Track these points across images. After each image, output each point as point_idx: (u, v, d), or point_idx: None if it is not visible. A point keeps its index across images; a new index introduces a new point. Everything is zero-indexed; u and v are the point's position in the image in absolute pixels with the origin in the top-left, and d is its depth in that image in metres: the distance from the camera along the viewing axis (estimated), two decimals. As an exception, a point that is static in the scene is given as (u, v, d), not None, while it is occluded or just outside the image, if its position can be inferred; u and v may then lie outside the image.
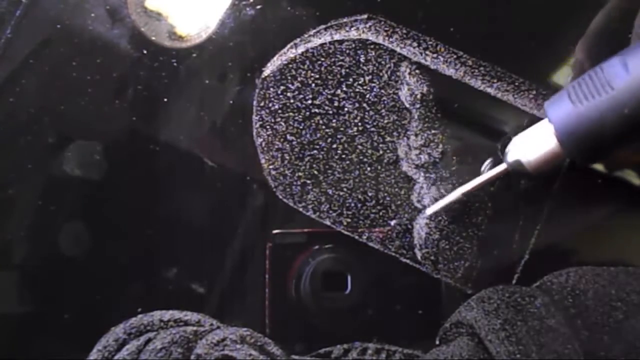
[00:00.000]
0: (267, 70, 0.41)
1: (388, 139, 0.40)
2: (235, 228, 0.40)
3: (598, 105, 0.33)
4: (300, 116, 0.40)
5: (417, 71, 0.40)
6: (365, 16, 0.41)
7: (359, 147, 0.40)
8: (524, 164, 0.36)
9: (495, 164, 0.39)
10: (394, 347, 0.38)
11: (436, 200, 0.40)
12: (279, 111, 0.40)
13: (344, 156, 0.40)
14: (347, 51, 0.40)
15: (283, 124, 0.40)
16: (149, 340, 0.36)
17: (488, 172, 0.38)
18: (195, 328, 0.37)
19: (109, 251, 0.40)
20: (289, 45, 0.41)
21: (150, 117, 0.41)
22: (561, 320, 0.35)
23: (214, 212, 0.41)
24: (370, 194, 0.40)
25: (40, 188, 0.40)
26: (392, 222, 0.40)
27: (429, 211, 0.39)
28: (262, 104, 0.41)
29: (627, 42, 0.38)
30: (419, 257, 0.40)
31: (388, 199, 0.40)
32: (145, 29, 0.42)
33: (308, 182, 0.40)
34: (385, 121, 0.40)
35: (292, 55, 0.41)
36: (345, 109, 0.40)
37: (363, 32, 0.40)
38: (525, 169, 0.36)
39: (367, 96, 0.40)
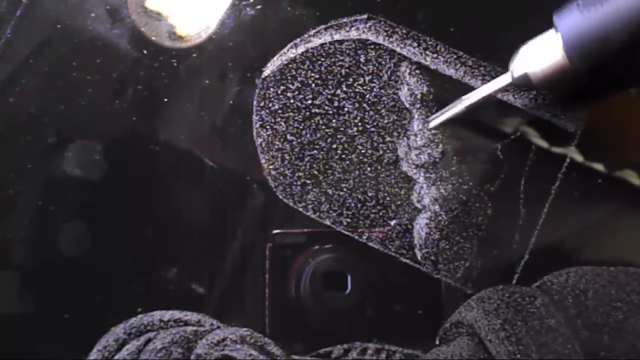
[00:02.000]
0: (267, 70, 0.41)
1: (388, 139, 0.40)
2: (235, 228, 0.40)
3: (605, 13, 0.32)
4: (300, 116, 0.40)
5: (417, 71, 0.40)
6: (365, 16, 0.41)
7: (359, 147, 0.40)
8: (530, 75, 0.35)
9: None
10: (394, 347, 0.38)
11: (436, 200, 0.40)
12: (279, 111, 0.40)
13: (344, 156, 0.40)
14: (347, 51, 0.40)
15: (283, 124, 0.40)
16: (149, 340, 0.36)
17: (491, 84, 0.37)
18: (195, 328, 0.37)
19: (109, 251, 0.40)
20: (289, 45, 0.41)
21: (150, 117, 0.41)
22: (561, 320, 0.35)
23: (214, 212, 0.41)
24: (370, 194, 0.40)
25: (40, 188, 0.40)
26: (392, 222, 0.40)
27: (433, 124, 0.39)
28: (262, 104, 0.41)
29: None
30: (419, 257, 0.40)
31: (388, 199, 0.40)
32: (145, 29, 0.42)
33: (308, 182, 0.40)
34: (385, 121, 0.40)
35: (292, 55, 0.41)
36: (345, 109, 0.40)
37: (363, 32, 0.40)
38: (530, 81, 0.36)
39: (367, 96, 0.40)
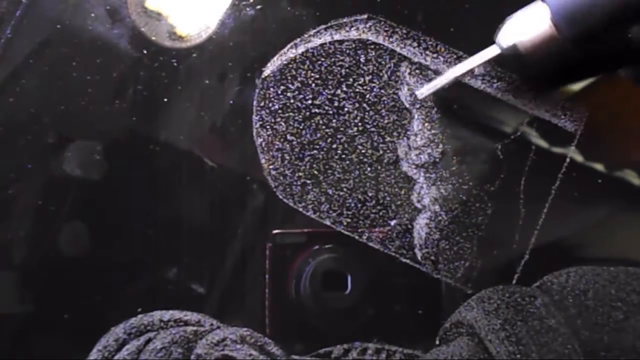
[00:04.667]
0: (267, 70, 0.41)
1: (388, 139, 0.40)
2: (235, 228, 0.40)
3: None
4: (300, 116, 0.40)
5: (417, 71, 0.40)
6: (365, 16, 0.41)
7: (359, 147, 0.40)
8: (518, 45, 0.35)
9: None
10: (394, 347, 0.38)
11: (436, 200, 0.40)
12: (279, 111, 0.40)
13: (344, 156, 0.40)
14: (347, 51, 0.40)
15: (283, 124, 0.40)
16: (149, 340, 0.36)
17: (479, 54, 0.37)
18: (195, 328, 0.37)
19: (109, 251, 0.40)
20: (289, 45, 0.41)
21: (150, 117, 0.41)
22: (561, 320, 0.35)
23: (214, 212, 0.41)
24: (370, 194, 0.40)
25: (40, 188, 0.40)
26: (392, 222, 0.40)
27: (422, 94, 0.39)
28: (262, 104, 0.41)
29: None
30: (419, 257, 0.40)
31: (388, 199, 0.40)
32: (145, 29, 0.42)
33: (308, 182, 0.40)
34: (385, 121, 0.40)
35: (292, 55, 0.41)
36: (345, 109, 0.40)
37: (363, 32, 0.40)
38: (519, 51, 0.35)
39: (367, 96, 0.40)
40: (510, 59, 0.36)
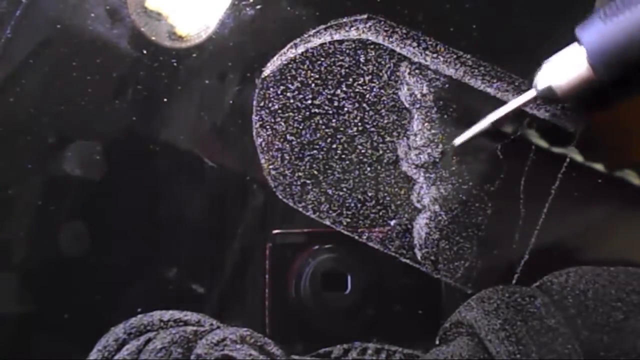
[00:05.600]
0: (267, 70, 0.41)
1: (388, 139, 0.40)
2: (235, 228, 0.40)
3: (628, 20, 0.33)
4: (300, 116, 0.40)
5: (417, 71, 0.40)
6: (365, 16, 0.41)
7: (359, 147, 0.40)
8: (554, 88, 0.36)
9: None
10: (394, 347, 0.38)
11: (436, 200, 0.40)
12: (279, 111, 0.41)
13: (344, 156, 0.40)
14: (347, 51, 0.40)
15: (283, 124, 0.40)
16: (149, 340, 0.36)
17: (516, 100, 0.38)
18: (195, 328, 0.37)
19: (109, 251, 0.40)
20: (289, 45, 0.41)
21: (150, 117, 0.41)
22: (561, 320, 0.35)
23: (214, 212, 0.41)
24: (370, 194, 0.40)
25: (40, 188, 0.40)
26: (392, 222, 0.40)
27: (458, 141, 0.39)
28: (262, 104, 0.41)
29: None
30: (419, 257, 0.40)
31: (388, 199, 0.40)
32: (145, 29, 0.42)
33: (308, 182, 0.40)
34: (385, 121, 0.40)
35: (292, 55, 0.41)
36: (345, 109, 0.40)
37: (363, 32, 0.40)
38: (556, 95, 0.36)
39: (367, 96, 0.40)
40: (547, 99, 0.37)
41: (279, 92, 0.40)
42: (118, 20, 0.42)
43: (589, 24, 0.35)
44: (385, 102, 0.40)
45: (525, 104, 0.38)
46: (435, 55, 0.40)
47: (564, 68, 0.36)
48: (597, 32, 0.34)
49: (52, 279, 0.40)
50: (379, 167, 0.40)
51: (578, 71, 0.35)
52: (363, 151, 0.40)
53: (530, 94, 0.38)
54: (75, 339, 0.39)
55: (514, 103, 0.38)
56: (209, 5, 0.42)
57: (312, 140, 0.40)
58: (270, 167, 0.40)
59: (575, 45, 0.36)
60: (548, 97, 0.37)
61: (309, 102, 0.40)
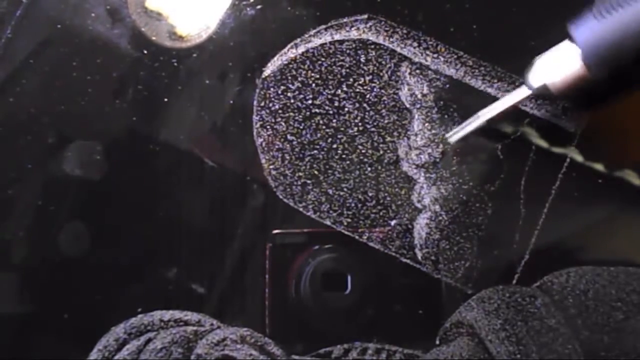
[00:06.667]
0: (267, 70, 0.41)
1: (388, 139, 0.40)
2: (235, 228, 0.40)
3: (621, 18, 0.33)
4: (300, 116, 0.40)
5: (417, 71, 0.40)
6: (366, 16, 0.41)
7: (359, 147, 0.40)
8: (549, 86, 0.36)
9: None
10: (394, 347, 0.38)
11: (436, 200, 0.40)
12: (279, 111, 0.40)
13: (344, 156, 0.40)
14: (348, 51, 0.40)
15: (283, 124, 0.40)
16: (149, 340, 0.36)
17: (510, 96, 0.38)
18: (195, 328, 0.37)
19: (109, 251, 0.40)
20: (289, 45, 0.41)
21: (150, 117, 0.41)
22: (561, 320, 0.35)
23: (214, 212, 0.41)
24: (370, 194, 0.40)
25: (40, 188, 0.40)
26: (392, 222, 0.40)
27: (452, 139, 0.39)
28: (262, 104, 0.41)
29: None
30: (419, 257, 0.40)
31: (388, 199, 0.40)
32: (145, 29, 0.42)
33: (308, 182, 0.40)
34: (386, 121, 0.40)
35: (292, 55, 0.41)
36: (346, 109, 0.40)
37: (363, 32, 0.40)
38: (549, 92, 0.36)
39: (368, 96, 0.40)
40: (540, 96, 0.37)
41: (279, 92, 0.40)
42: (118, 20, 0.42)
43: (582, 20, 0.34)
44: (385, 102, 0.40)
45: (519, 102, 0.38)
46: (435, 55, 0.40)
47: (557, 65, 0.36)
48: (590, 29, 0.34)
49: (52, 279, 0.40)
50: (379, 167, 0.40)
51: (572, 69, 0.35)
52: (363, 151, 0.40)
53: (525, 92, 0.37)
54: (75, 339, 0.39)
55: (508, 101, 0.38)
56: (210, 5, 0.42)
57: (313, 140, 0.40)
58: (271, 167, 0.40)
59: (567, 42, 0.35)
60: (543, 94, 0.37)
61: (310, 102, 0.40)
